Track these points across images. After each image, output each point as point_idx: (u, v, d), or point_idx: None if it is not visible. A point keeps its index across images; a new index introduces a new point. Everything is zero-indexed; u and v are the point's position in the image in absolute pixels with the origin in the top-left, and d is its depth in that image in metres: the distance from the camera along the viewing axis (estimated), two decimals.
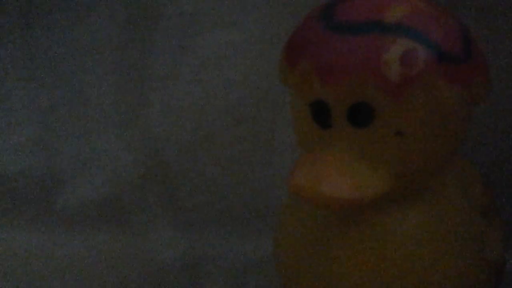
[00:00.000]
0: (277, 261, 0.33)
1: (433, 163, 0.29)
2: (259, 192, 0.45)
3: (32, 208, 0.48)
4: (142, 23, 0.46)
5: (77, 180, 0.47)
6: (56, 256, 0.46)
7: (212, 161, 0.46)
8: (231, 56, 0.45)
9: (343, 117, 0.28)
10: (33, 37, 0.47)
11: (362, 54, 0.27)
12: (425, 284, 0.29)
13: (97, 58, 0.46)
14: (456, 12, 0.30)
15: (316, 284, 0.30)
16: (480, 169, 0.33)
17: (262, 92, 0.45)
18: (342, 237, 0.30)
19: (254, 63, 0.44)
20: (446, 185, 0.30)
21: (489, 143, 0.42)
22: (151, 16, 0.45)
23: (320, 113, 0.28)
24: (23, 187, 0.48)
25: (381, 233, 0.29)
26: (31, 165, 0.48)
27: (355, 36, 0.27)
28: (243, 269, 0.43)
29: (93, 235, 0.47)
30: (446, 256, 0.29)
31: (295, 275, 0.31)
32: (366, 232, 0.29)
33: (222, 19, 0.45)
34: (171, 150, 0.46)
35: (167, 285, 0.43)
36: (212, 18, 0.45)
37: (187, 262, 0.44)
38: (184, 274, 0.44)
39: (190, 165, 0.46)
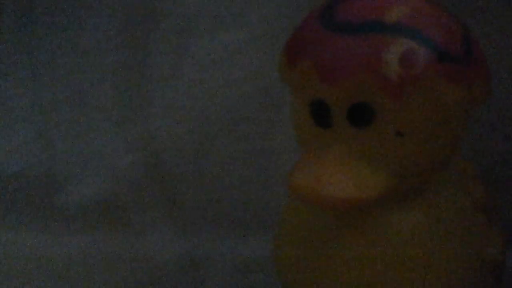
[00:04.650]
0: (277, 261, 0.33)
1: (433, 163, 0.29)
2: (259, 192, 0.45)
3: (32, 208, 0.48)
4: (142, 23, 0.46)
5: (77, 180, 0.47)
6: (56, 256, 0.46)
7: (212, 161, 0.46)
8: (231, 56, 0.45)
9: (343, 117, 0.28)
10: (33, 37, 0.47)
11: (362, 54, 0.27)
12: (425, 284, 0.29)
13: (97, 58, 0.46)
14: (456, 12, 0.30)
15: (316, 284, 0.30)
16: (480, 169, 0.33)
17: (262, 92, 0.45)
18: (342, 237, 0.30)
19: (254, 63, 0.44)
20: (446, 185, 0.30)
21: (489, 143, 0.42)
22: (151, 16, 0.45)
23: (320, 113, 0.28)
24: (23, 187, 0.48)
25: (381, 233, 0.29)
26: (31, 165, 0.48)
27: (355, 36, 0.27)
28: (243, 269, 0.43)
29: (93, 235, 0.47)
30: (446, 255, 0.29)
31: (295, 275, 0.31)
32: (366, 232, 0.29)
33: (222, 19, 0.45)
34: (171, 150, 0.46)
35: (167, 285, 0.43)
36: (212, 18, 0.45)
37: (187, 262, 0.44)
38: (184, 274, 0.44)
39: (190, 165, 0.46)
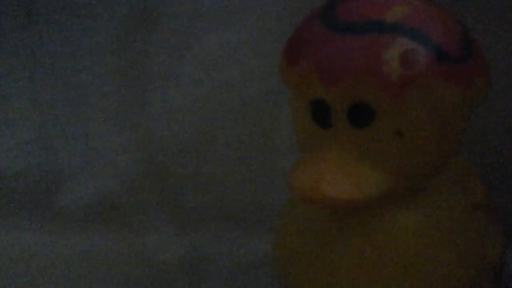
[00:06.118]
0: (277, 261, 0.33)
1: (433, 163, 0.29)
2: (259, 192, 0.45)
3: (32, 208, 0.48)
4: (142, 23, 0.46)
5: (77, 180, 0.47)
6: (56, 256, 0.46)
7: (212, 161, 0.46)
8: (231, 56, 0.45)
9: (343, 117, 0.28)
10: (33, 37, 0.47)
11: (362, 54, 0.27)
12: (425, 284, 0.29)
13: (97, 58, 0.46)
14: (456, 12, 0.30)
15: (316, 284, 0.30)
16: (480, 169, 0.33)
17: (262, 92, 0.45)
18: (342, 237, 0.30)
19: (254, 63, 0.44)
20: (446, 185, 0.30)
21: (489, 143, 0.42)
22: (151, 16, 0.45)
23: (320, 113, 0.28)
24: (23, 187, 0.48)
25: (381, 233, 0.29)
26: (31, 165, 0.48)
27: (355, 36, 0.27)
28: (243, 269, 0.43)
29: (93, 235, 0.47)
30: (446, 256, 0.29)
31: (294, 275, 0.31)
32: (366, 232, 0.29)
33: (222, 19, 0.45)
34: (171, 150, 0.46)
35: (167, 285, 0.43)
36: (212, 18, 0.45)
37: (187, 262, 0.44)
38: (184, 274, 0.44)
39: (190, 165, 0.46)
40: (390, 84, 0.27)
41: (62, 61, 0.47)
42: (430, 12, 0.28)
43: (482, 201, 0.32)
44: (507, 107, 0.41)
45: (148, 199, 0.47)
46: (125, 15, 0.46)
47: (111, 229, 0.47)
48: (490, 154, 0.42)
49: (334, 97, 0.28)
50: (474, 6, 0.41)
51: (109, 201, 0.47)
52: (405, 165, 0.28)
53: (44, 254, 0.46)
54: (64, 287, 0.43)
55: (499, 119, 0.42)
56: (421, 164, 0.29)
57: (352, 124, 0.28)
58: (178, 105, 0.46)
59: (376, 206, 0.29)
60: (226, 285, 0.43)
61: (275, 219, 0.33)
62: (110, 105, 0.47)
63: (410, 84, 0.27)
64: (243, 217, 0.46)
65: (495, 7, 0.41)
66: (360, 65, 0.27)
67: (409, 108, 0.27)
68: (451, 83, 0.28)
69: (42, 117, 0.47)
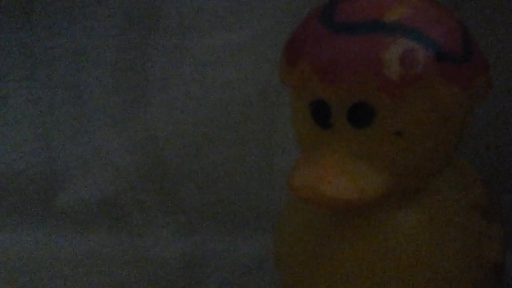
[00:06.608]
0: (277, 261, 0.33)
1: (433, 163, 0.29)
2: (259, 192, 0.45)
3: (32, 208, 0.48)
4: (142, 23, 0.46)
5: (77, 180, 0.47)
6: (56, 256, 0.46)
7: (212, 161, 0.46)
8: (231, 56, 0.45)
9: (343, 117, 0.28)
10: (33, 37, 0.47)
11: (362, 54, 0.27)
12: (425, 284, 0.29)
13: (97, 58, 0.46)
14: (456, 12, 0.30)
15: (316, 284, 0.30)
16: (480, 169, 0.33)
17: (262, 92, 0.45)
18: (342, 237, 0.30)
19: (254, 63, 0.44)
20: (446, 185, 0.30)
21: (489, 143, 0.42)
22: (151, 16, 0.45)
23: (320, 113, 0.28)
24: (23, 187, 0.48)
25: (381, 233, 0.29)
26: (31, 165, 0.48)
27: (355, 36, 0.27)
28: (243, 269, 0.43)
29: (93, 235, 0.47)
30: (446, 256, 0.29)
31: (295, 275, 0.31)
32: (366, 232, 0.29)
33: (222, 19, 0.45)
34: (171, 150, 0.46)
35: (167, 285, 0.43)
36: (212, 18, 0.45)
37: (187, 262, 0.44)
38: (184, 274, 0.44)
39: (190, 165, 0.46)
40: (390, 84, 0.27)
41: (62, 61, 0.47)
42: (430, 12, 0.28)
43: (482, 201, 0.32)
44: (507, 107, 0.41)
45: (148, 199, 0.47)
46: (125, 15, 0.46)
47: (111, 229, 0.47)
48: (490, 154, 0.42)
49: (334, 97, 0.28)
50: (474, 6, 0.41)
51: (109, 201, 0.47)
52: (405, 165, 0.28)
53: (44, 254, 0.46)
54: (64, 287, 0.43)
55: (499, 119, 0.42)
56: (421, 164, 0.29)
57: (352, 124, 0.28)
58: (178, 105, 0.46)
59: (376, 206, 0.29)
60: (226, 285, 0.43)
61: (275, 219, 0.33)
62: (110, 105, 0.47)
63: (410, 84, 0.27)
64: (243, 217, 0.46)
65: (495, 7, 0.41)
66: (360, 65, 0.27)
67: (409, 108, 0.27)
68: (451, 83, 0.28)
69: (42, 117, 0.47)
